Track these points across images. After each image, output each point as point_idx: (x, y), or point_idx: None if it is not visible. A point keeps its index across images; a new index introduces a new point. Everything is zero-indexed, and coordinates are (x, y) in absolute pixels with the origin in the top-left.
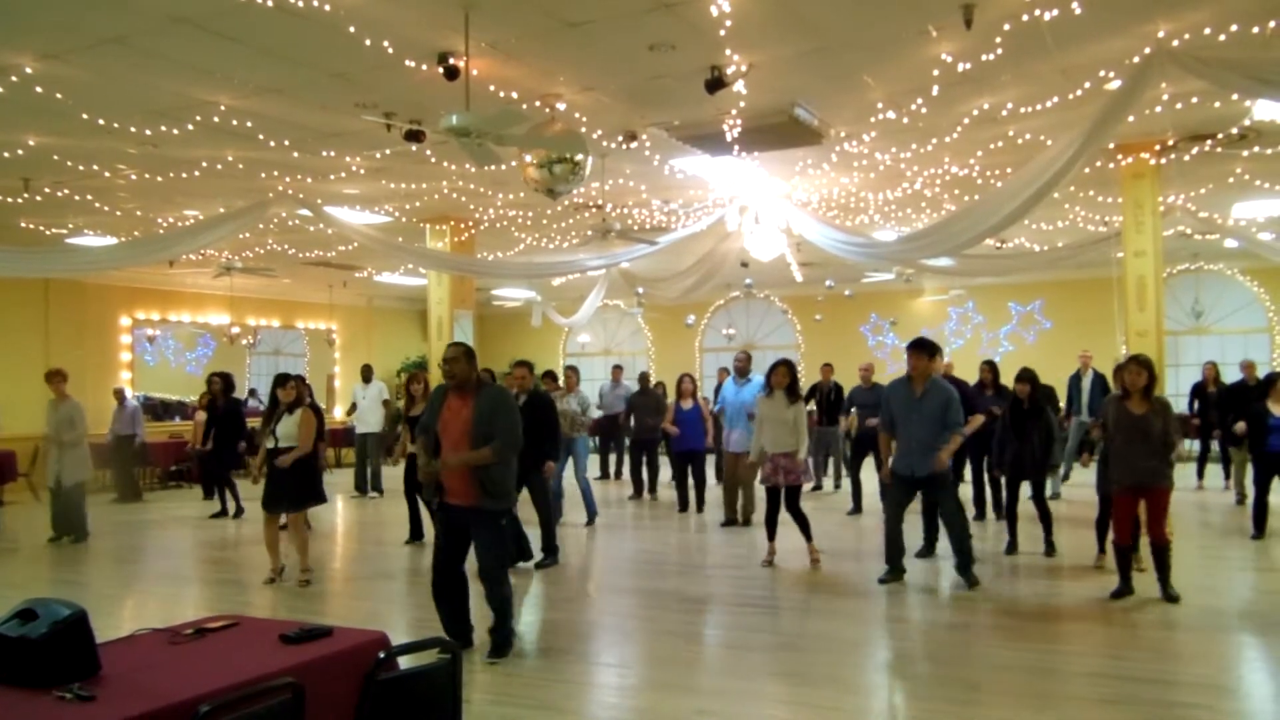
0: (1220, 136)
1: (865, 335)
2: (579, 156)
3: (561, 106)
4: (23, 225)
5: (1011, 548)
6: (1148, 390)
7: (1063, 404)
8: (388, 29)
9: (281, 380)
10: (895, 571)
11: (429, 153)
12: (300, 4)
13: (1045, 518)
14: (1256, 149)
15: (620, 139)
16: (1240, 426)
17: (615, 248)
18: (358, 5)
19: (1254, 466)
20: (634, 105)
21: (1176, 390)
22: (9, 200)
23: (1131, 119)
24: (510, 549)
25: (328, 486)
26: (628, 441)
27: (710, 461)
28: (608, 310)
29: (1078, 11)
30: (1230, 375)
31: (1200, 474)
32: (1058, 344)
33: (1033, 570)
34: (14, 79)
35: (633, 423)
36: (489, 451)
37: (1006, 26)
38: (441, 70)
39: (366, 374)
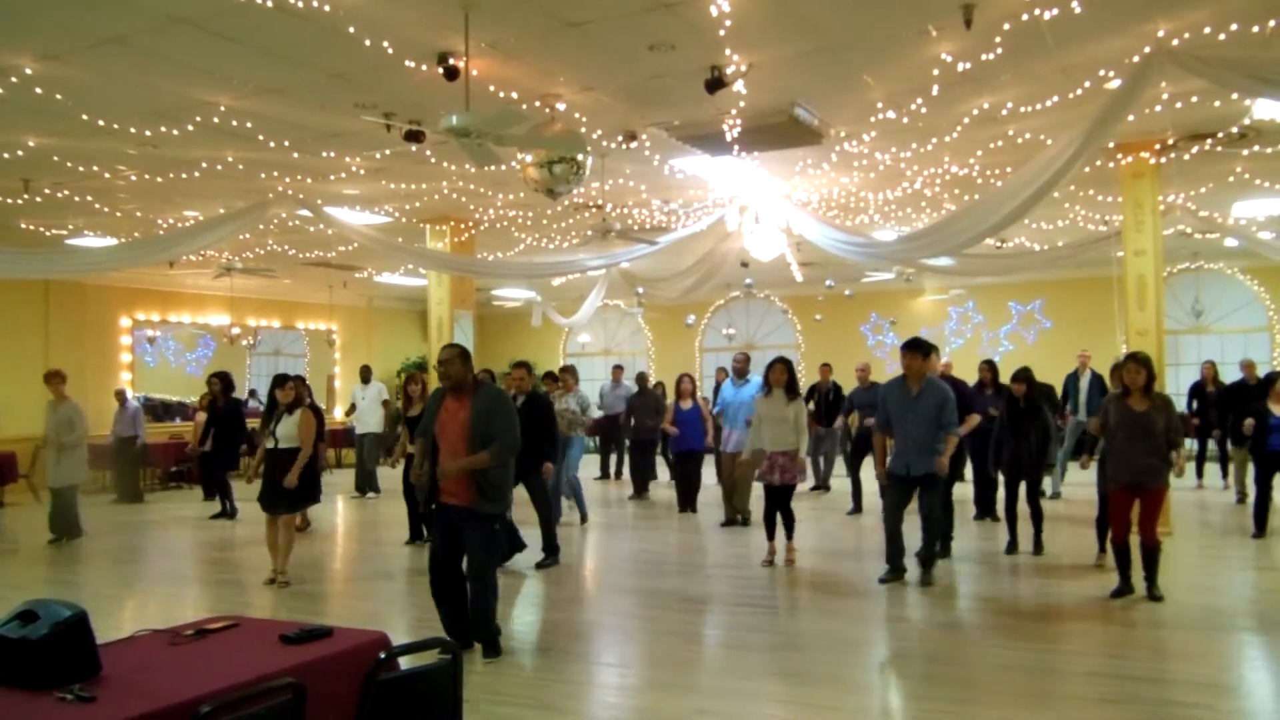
0: (1220, 135)
1: (865, 335)
2: (579, 156)
3: (561, 106)
4: (23, 226)
5: (1011, 547)
6: (1148, 388)
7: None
8: (387, 29)
9: (280, 381)
10: (896, 571)
11: (429, 153)
12: (300, 4)
13: (1037, 517)
14: (1256, 148)
15: (620, 139)
16: (1249, 424)
17: (615, 248)
18: (357, 5)
19: (1255, 466)
20: (634, 105)
21: (1176, 389)
22: (9, 201)
23: (1131, 118)
24: (504, 550)
25: (328, 487)
26: (628, 441)
27: (709, 462)
28: (608, 310)
29: (1077, 11)
30: (1230, 374)
31: (1199, 473)
32: (1058, 343)
33: (1032, 569)
34: (14, 80)
35: (632, 423)
36: (487, 455)
37: (1006, 26)
38: (441, 70)
39: (365, 375)
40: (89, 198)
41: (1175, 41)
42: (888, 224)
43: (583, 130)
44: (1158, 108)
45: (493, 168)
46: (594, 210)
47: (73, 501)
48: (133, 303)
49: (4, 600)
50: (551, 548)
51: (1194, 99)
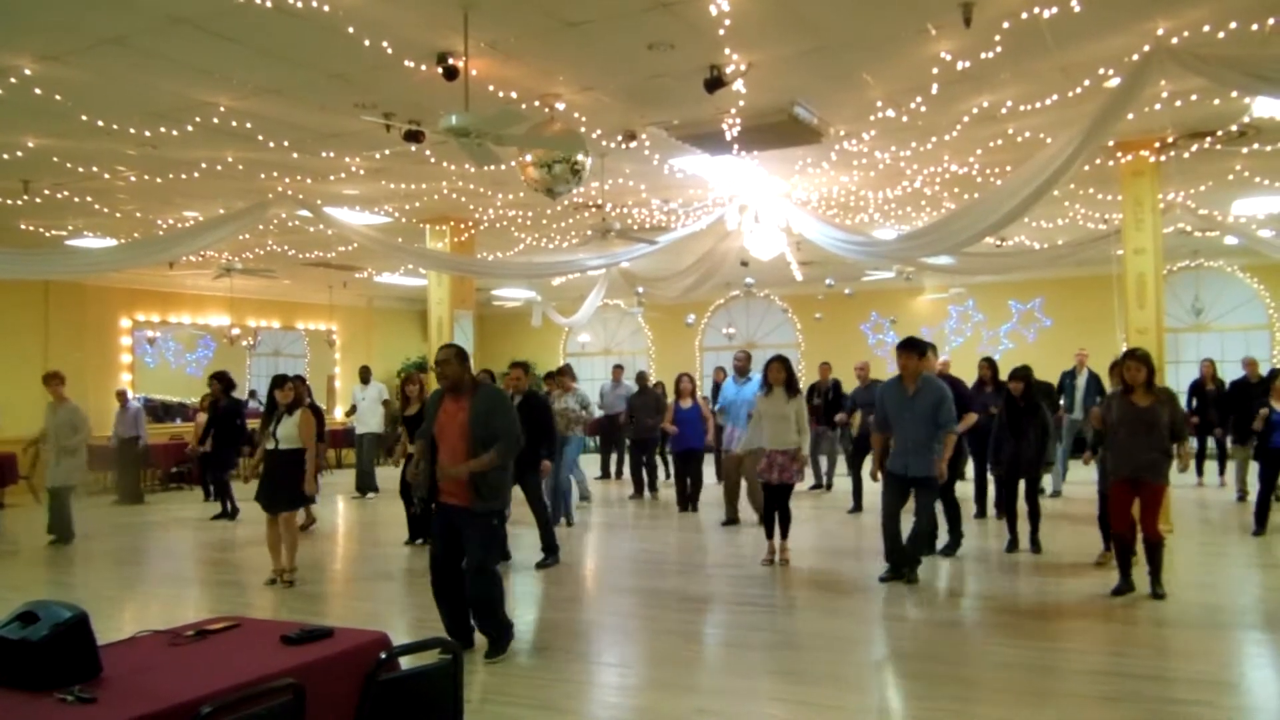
0: (1220, 134)
1: (865, 334)
2: (578, 156)
3: (561, 106)
4: (22, 227)
5: (1012, 546)
6: (1149, 383)
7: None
8: (387, 29)
9: (279, 382)
10: (895, 569)
11: (428, 153)
12: (299, 4)
13: (1034, 515)
14: (1256, 146)
15: (619, 138)
16: (1263, 414)
17: (615, 247)
18: (357, 6)
19: (1260, 463)
20: (633, 105)
21: (1177, 388)
22: (8, 202)
23: (1131, 116)
24: (504, 547)
25: (328, 487)
26: (628, 441)
27: (709, 460)
28: (608, 310)
29: (1077, 9)
30: (1230, 373)
31: (1200, 471)
32: (1058, 342)
33: (1031, 568)
34: (13, 80)
35: (633, 422)
36: (492, 456)
37: (1006, 25)
38: (441, 70)
39: (365, 375)
40: (89, 198)
41: (1175, 40)
42: (887, 223)
43: (582, 130)
44: (1157, 106)
45: (492, 167)
46: (594, 210)
47: (66, 503)
48: (132, 303)
49: (4, 601)
50: (550, 547)
51: (1193, 97)
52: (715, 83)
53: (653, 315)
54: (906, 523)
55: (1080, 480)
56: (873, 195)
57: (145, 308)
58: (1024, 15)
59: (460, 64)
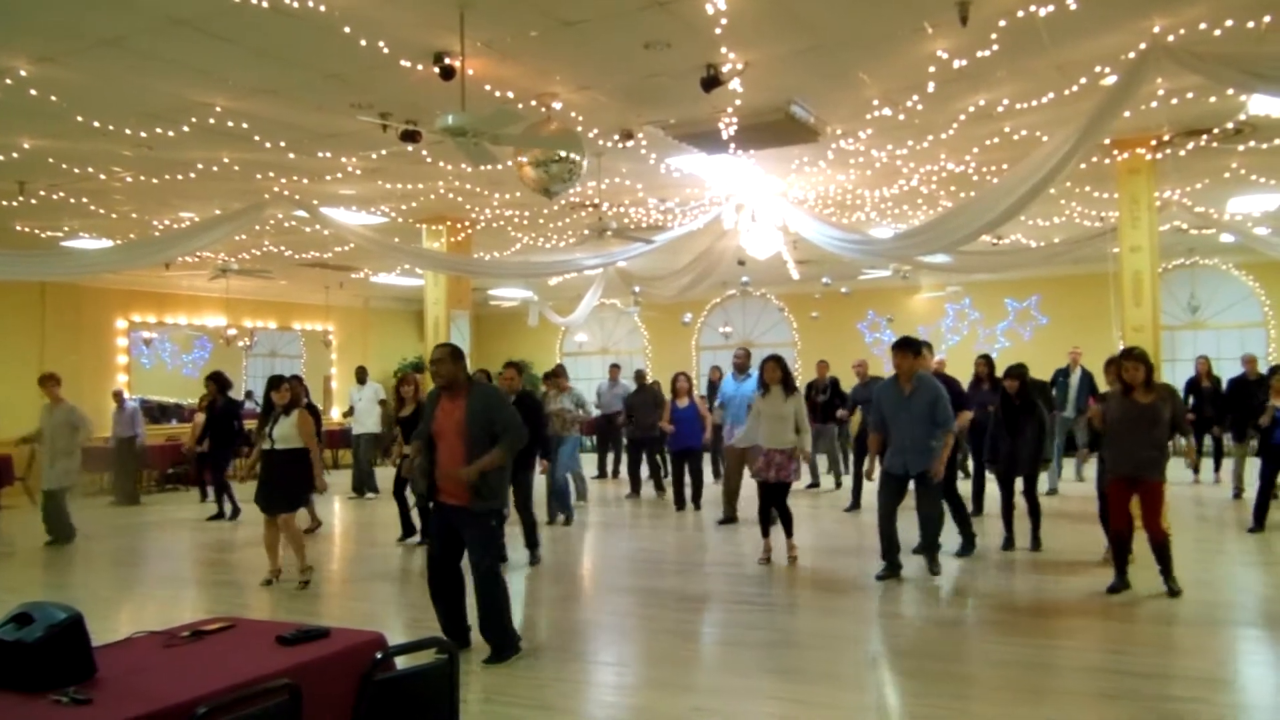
0: (1216, 131)
1: (862, 332)
2: (575, 156)
3: (557, 105)
4: (18, 228)
5: (1008, 544)
6: (1148, 381)
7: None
8: (383, 29)
9: (275, 383)
10: (892, 568)
11: (425, 153)
12: (295, 4)
13: (1035, 513)
14: (1252, 144)
15: (616, 138)
16: (1267, 417)
17: (612, 247)
18: (352, 5)
19: (1261, 460)
20: (630, 104)
21: (1173, 385)
22: (4, 203)
23: (1127, 114)
24: (503, 548)
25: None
26: (626, 440)
27: (708, 459)
28: (604, 309)
29: (1073, 7)
30: (1225, 370)
31: (1196, 468)
32: (1054, 340)
33: (1029, 566)
34: (8, 82)
35: (631, 421)
36: (500, 453)
37: (1002, 23)
38: (437, 70)
39: (361, 375)
40: (84, 199)
41: (1171, 37)
42: (884, 221)
43: (579, 129)
44: (1153, 104)
45: (489, 167)
46: (590, 209)
47: (63, 504)
48: (129, 305)
49: (0, 603)
50: (532, 543)
51: (1189, 95)
52: (712, 82)
53: (649, 314)
54: (902, 520)
55: (1073, 478)
56: (869, 194)
57: (141, 309)
58: (1020, 13)
59: (457, 63)
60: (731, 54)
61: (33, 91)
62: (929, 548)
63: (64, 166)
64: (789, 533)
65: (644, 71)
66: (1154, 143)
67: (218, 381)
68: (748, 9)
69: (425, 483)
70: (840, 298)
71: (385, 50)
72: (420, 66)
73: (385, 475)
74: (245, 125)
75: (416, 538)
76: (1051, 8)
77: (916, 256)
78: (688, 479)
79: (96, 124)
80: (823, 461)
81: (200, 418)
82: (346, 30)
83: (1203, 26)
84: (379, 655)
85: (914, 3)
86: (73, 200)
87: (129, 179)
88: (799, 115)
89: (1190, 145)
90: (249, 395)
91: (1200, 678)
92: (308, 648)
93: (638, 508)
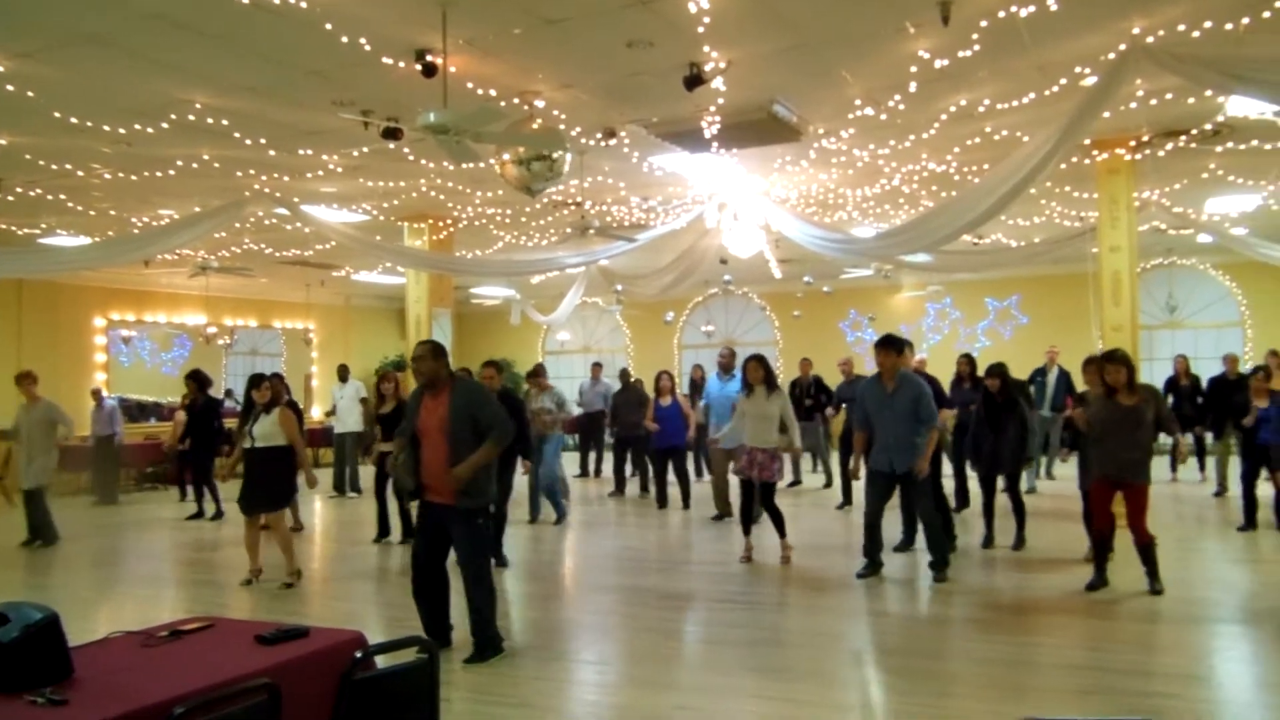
0: (1194, 132)
1: (844, 331)
2: (557, 154)
3: (540, 103)
4: None
5: (988, 541)
6: (1131, 383)
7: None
8: (364, 26)
9: (256, 381)
10: (873, 565)
11: (407, 150)
12: (276, 1)
13: (1019, 511)
14: (1230, 145)
15: (599, 136)
16: (1250, 420)
17: (594, 245)
18: (334, 2)
19: (1244, 459)
20: (612, 102)
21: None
22: None
23: (1107, 115)
24: (490, 545)
25: (307, 487)
26: (610, 439)
27: (691, 458)
28: (586, 308)
29: (1054, 8)
30: (1203, 369)
31: (1174, 466)
32: (1034, 339)
33: (1011, 564)
34: None
35: (616, 419)
36: (490, 448)
37: (984, 23)
38: (419, 67)
39: (343, 373)
40: (62, 196)
41: (1150, 39)
42: (866, 220)
43: (561, 127)
44: (1133, 105)
45: (471, 165)
46: (573, 208)
47: (44, 504)
48: (107, 302)
49: None
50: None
51: (1168, 96)
52: (694, 80)
53: (631, 313)
54: (887, 518)
55: (1057, 476)
56: (851, 193)
57: (120, 307)
58: (1001, 14)
59: (439, 61)
60: (714, 53)
61: (10, 87)
62: (936, 556)
63: (42, 163)
64: (781, 533)
65: (626, 70)
66: (1133, 143)
67: (197, 380)
68: (730, 8)
69: (412, 481)
70: (822, 297)
71: (367, 47)
72: (402, 64)
73: (368, 474)
74: (225, 122)
75: (393, 537)
76: (1032, 8)
77: (898, 256)
78: (671, 477)
79: (75, 120)
80: (806, 459)
81: (181, 416)
82: (328, 27)
83: (1181, 28)
84: (359, 654)
85: (896, 2)
86: (50, 197)
87: (108, 176)
88: (781, 114)
89: (1169, 146)
90: (229, 394)
91: (1176, 674)
92: (287, 647)
93: (620, 506)
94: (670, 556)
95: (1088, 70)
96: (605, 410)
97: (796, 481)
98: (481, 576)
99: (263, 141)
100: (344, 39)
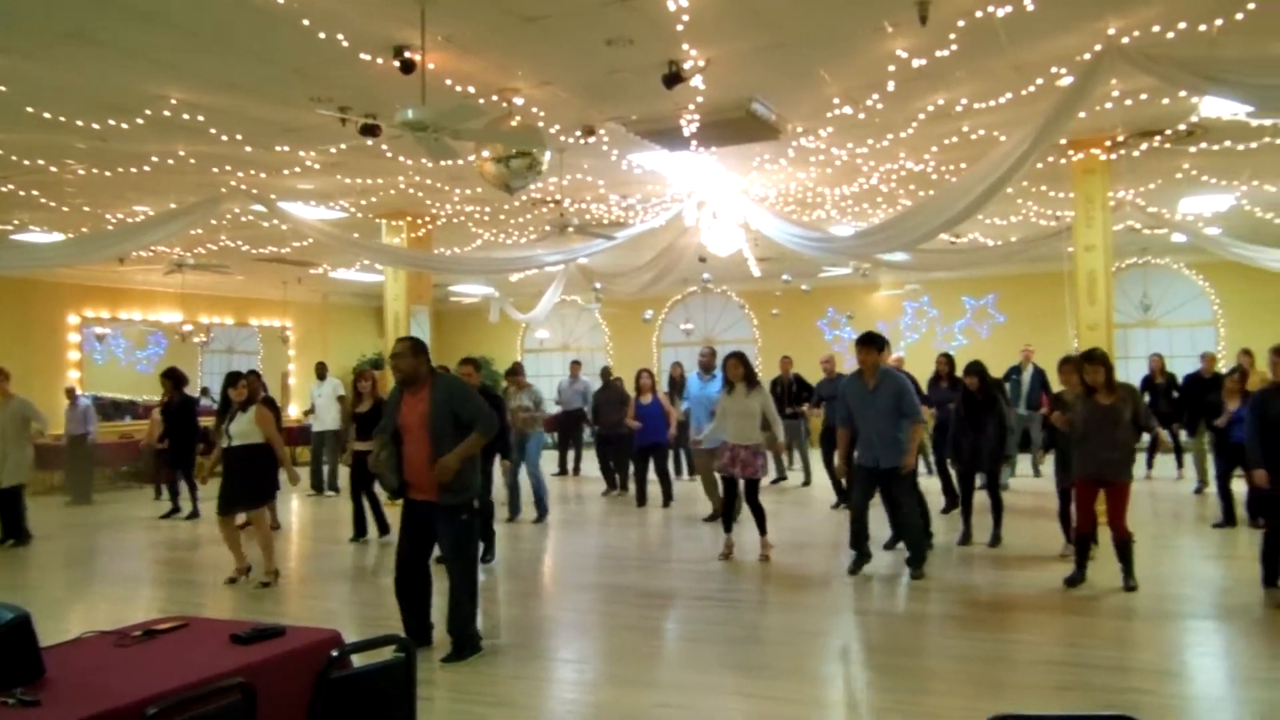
0: (1168, 133)
1: (822, 329)
2: (536, 151)
3: (519, 101)
4: None
5: (966, 539)
6: (1109, 383)
7: None
8: (342, 22)
9: (232, 379)
10: (861, 557)
11: (385, 147)
12: None
13: (997, 508)
14: (1203, 145)
15: (578, 134)
16: (1223, 420)
17: (573, 243)
18: None
19: (1216, 458)
20: (592, 100)
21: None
22: None
23: (1083, 115)
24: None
25: (285, 485)
26: (592, 437)
27: (671, 456)
28: (565, 306)
29: (1030, 9)
30: (1178, 367)
31: (1150, 463)
32: (1011, 337)
33: (989, 561)
34: None
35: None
36: (478, 439)
37: (961, 23)
38: (397, 64)
39: (321, 371)
40: (35, 192)
41: (1125, 39)
42: (844, 219)
43: (541, 125)
44: (1108, 105)
45: (449, 162)
46: (552, 205)
47: (23, 502)
48: (81, 300)
49: None
50: (486, 536)
51: (1143, 96)
52: (673, 78)
53: (610, 311)
54: (873, 514)
55: (1027, 474)
56: (829, 192)
57: (94, 304)
58: (979, 14)
59: (417, 58)
60: (693, 51)
61: None
62: (914, 555)
63: (14, 158)
64: (762, 530)
65: (606, 68)
66: (1108, 143)
67: (173, 378)
68: (709, 6)
69: (395, 478)
70: (801, 295)
71: (345, 43)
72: (380, 60)
73: (345, 472)
74: (201, 118)
75: (371, 536)
76: (1009, 9)
77: (876, 254)
78: (652, 475)
79: (48, 115)
80: (794, 456)
81: (158, 415)
82: (305, 23)
83: (1156, 29)
84: (335, 653)
85: (874, 2)
86: (23, 193)
87: (81, 171)
88: (760, 113)
89: (1144, 146)
90: (205, 392)
91: (1151, 669)
92: (262, 646)
93: (601, 505)
94: (650, 555)
95: (1064, 70)
96: (584, 409)
97: (781, 478)
98: (467, 573)
99: (239, 137)
100: (321, 35)
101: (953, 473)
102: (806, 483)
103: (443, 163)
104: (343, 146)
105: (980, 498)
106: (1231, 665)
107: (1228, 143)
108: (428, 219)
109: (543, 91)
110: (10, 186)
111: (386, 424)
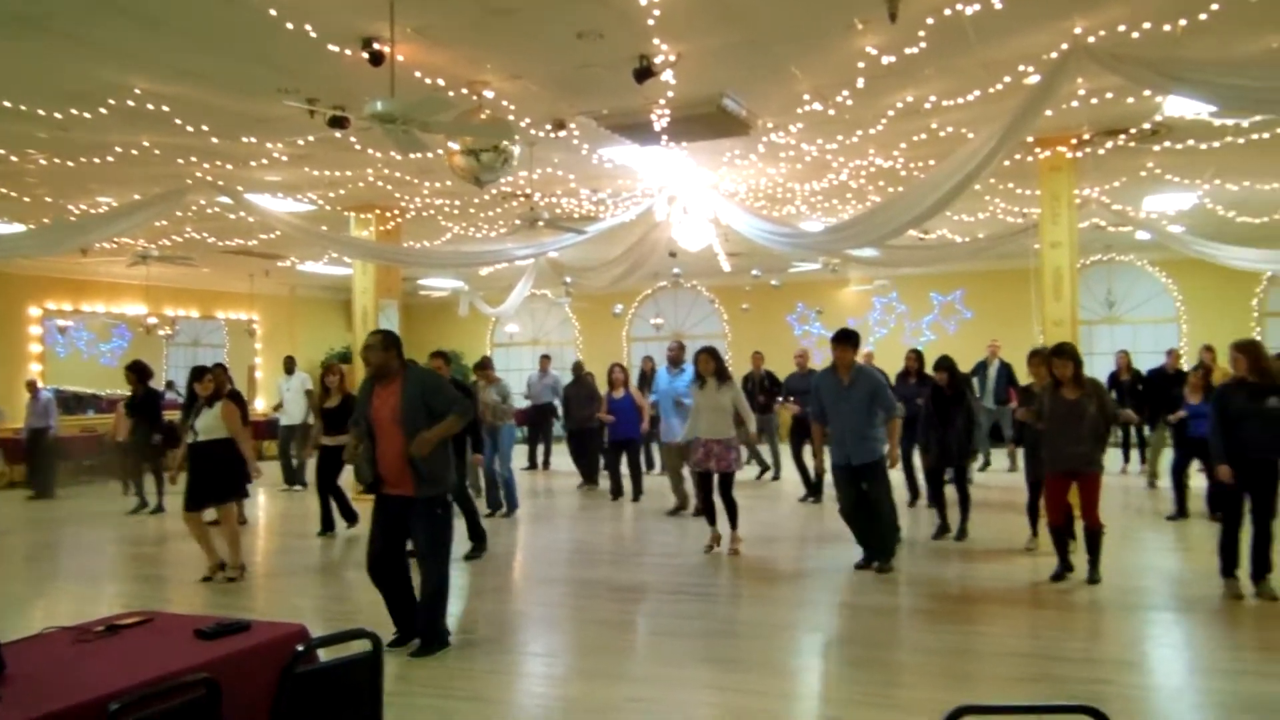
0: (1133, 131)
1: (792, 324)
2: (506, 144)
3: (489, 94)
4: None
5: (941, 532)
6: (1077, 377)
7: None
8: (310, 12)
9: (198, 374)
10: (870, 555)
11: (353, 139)
12: None
13: (965, 502)
14: (1167, 144)
15: (548, 127)
16: (1175, 416)
17: (543, 237)
18: None
19: (1175, 451)
20: (562, 93)
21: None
22: None
23: (1049, 113)
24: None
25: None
26: (563, 431)
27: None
28: (535, 300)
29: (998, 7)
30: (1139, 363)
31: (1126, 458)
32: (978, 333)
33: (956, 554)
34: None
35: (570, 413)
36: (454, 421)
37: (930, 20)
38: (366, 56)
39: (289, 365)
40: None
41: (1092, 39)
42: (814, 215)
43: (511, 118)
44: (1074, 103)
45: (418, 155)
46: (522, 199)
47: None
48: (43, 291)
49: None
50: (478, 535)
51: (1109, 95)
52: (644, 73)
53: (580, 305)
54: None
55: (1002, 469)
56: (799, 187)
57: (56, 296)
58: (947, 12)
59: (386, 49)
60: (664, 45)
61: None
62: (881, 552)
63: None
64: (734, 524)
65: (576, 61)
66: (1074, 141)
67: (137, 371)
68: (680, 1)
69: (370, 471)
70: (770, 290)
71: (313, 34)
72: (349, 52)
73: (312, 466)
74: (166, 108)
75: (338, 530)
76: (978, 7)
77: (845, 250)
78: (624, 469)
79: (8, 104)
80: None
81: (122, 409)
82: (273, 13)
83: (1121, 29)
84: (300, 648)
85: None
86: None
87: (43, 161)
88: (730, 108)
89: (1109, 144)
90: (170, 385)
91: (1109, 660)
92: (227, 641)
93: (570, 499)
94: (622, 548)
95: (1031, 69)
96: (554, 403)
97: (776, 476)
98: (439, 568)
99: (205, 129)
100: (289, 25)
101: (918, 466)
102: (775, 478)
103: (412, 156)
104: (311, 138)
105: (949, 492)
106: (1193, 656)
107: (1191, 142)
108: (397, 212)
109: (513, 85)
110: None
111: (358, 418)
